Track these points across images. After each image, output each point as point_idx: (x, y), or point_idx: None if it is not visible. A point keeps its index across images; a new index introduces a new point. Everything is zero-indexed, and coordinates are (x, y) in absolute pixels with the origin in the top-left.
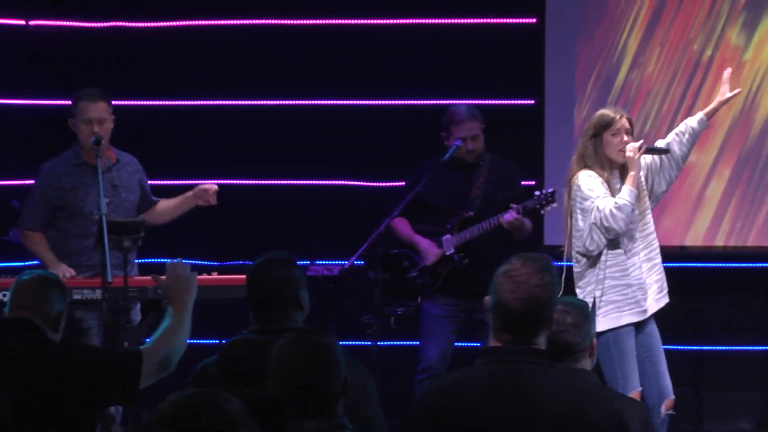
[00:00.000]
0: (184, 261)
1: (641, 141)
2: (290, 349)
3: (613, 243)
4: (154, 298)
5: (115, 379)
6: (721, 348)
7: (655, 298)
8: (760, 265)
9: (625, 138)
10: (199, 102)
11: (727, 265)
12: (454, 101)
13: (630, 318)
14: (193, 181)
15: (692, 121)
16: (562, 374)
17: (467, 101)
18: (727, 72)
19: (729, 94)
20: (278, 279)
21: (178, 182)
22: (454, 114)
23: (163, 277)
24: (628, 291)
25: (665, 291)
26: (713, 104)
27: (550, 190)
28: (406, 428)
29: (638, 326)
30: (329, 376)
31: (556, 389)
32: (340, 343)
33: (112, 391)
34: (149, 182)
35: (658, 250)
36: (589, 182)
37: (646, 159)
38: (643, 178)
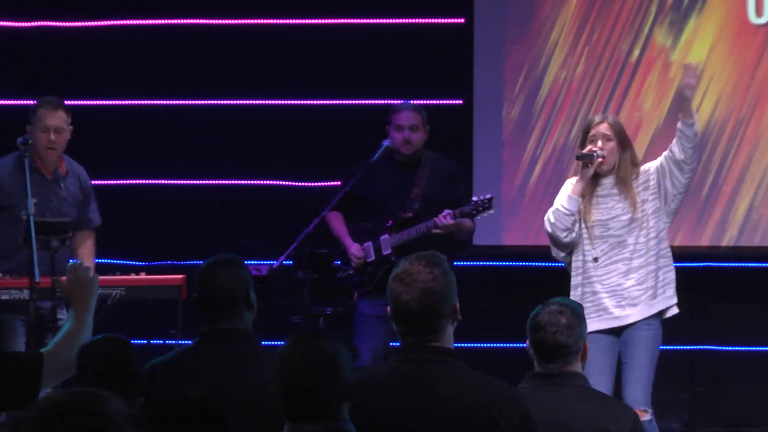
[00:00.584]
0: (113, 261)
1: (588, 148)
2: (288, 351)
3: (578, 249)
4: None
5: (15, 383)
6: None
7: (649, 304)
8: (686, 264)
9: (599, 144)
10: (126, 102)
11: None
12: (382, 101)
13: (596, 325)
14: (120, 181)
15: (678, 123)
16: (469, 374)
17: (396, 101)
18: (686, 65)
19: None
20: (229, 280)
21: (109, 182)
22: (395, 105)
23: (64, 278)
24: (593, 298)
25: (659, 298)
26: (680, 104)
27: (488, 196)
28: None
29: (619, 333)
30: (323, 379)
31: (463, 389)
32: (268, 344)
33: (11, 394)
34: None
35: (656, 257)
36: (562, 189)
37: (655, 163)
38: (653, 182)
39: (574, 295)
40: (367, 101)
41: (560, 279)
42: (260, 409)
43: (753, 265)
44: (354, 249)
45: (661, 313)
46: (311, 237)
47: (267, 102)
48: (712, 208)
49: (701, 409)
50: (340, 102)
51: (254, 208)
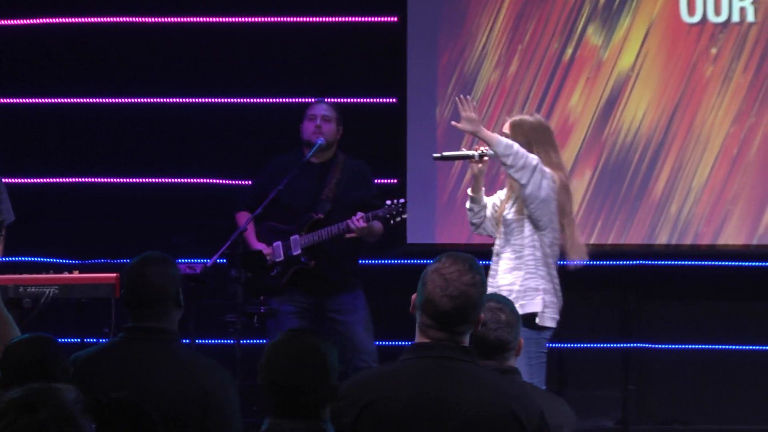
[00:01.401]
0: (46, 260)
1: (479, 147)
2: (281, 347)
3: None
4: (15, 297)
5: None
6: (581, 346)
7: None
8: (618, 263)
9: None
10: (60, 100)
11: (585, 263)
12: (316, 99)
13: None
14: (54, 179)
15: None
16: (489, 373)
17: (330, 99)
18: (458, 98)
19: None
20: (159, 278)
21: (43, 180)
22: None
23: None
24: None
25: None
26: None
27: (402, 200)
28: (336, 415)
29: None
30: (313, 379)
31: (487, 386)
32: (202, 342)
33: None
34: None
35: (524, 259)
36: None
37: None
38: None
39: None
40: (301, 99)
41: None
42: (178, 411)
43: (685, 263)
44: (259, 248)
45: (528, 320)
46: (244, 235)
47: (200, 100)
48: (645, 206)
49: (634, 406)
50: (274, 100)
51: (188, 207)
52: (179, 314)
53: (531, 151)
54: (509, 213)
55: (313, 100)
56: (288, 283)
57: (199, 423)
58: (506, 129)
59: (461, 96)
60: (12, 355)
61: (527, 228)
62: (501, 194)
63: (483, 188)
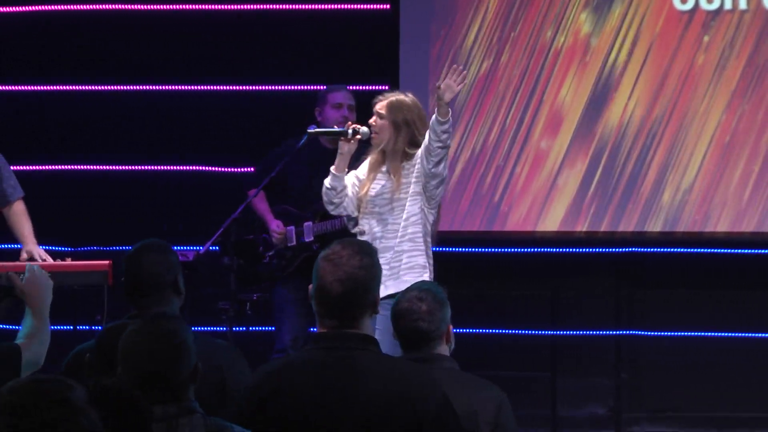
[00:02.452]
0: (41, 253)
1: (350, 124)
2: (138, 336)
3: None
4: (7, 285)
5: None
6: (573, 333)
7: (385, 285)
8: (611, 250)
9: (372, 119)
10: (52, 87)
11: (578, 250)
12: (308, 87)
13: None
14: (46, 166)
15: (433, 116)
16: (388, 361)
17: (322, 86)
18: (455, 66)
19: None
20: (159, 265)
21: (35, 167)
22: (329, 87)
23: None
24: None
25: (396, 281)
26: (437, 101)
27: None
28: (238, 412)
29: None
30: (176, 362)
31: (384, 377)
32: (196, 329)
33: None
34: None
35: (408, 236)
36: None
37: (422, 146)
38: (418, 165)
39: None
40: (292, 87)
41: (480, 265)
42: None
43: (678, 251)
44: (274, 224)
45: None
46: (237, 223)
47: (193, 87)
48: (637, 194)
49: (626, 394)
50: (266, 88)
51: (180, 194)
52: (180, 301)
53: (411, 132)
54: (388, 190)
55: (313, 87)
56: (296, 271)
57: (216, 399)
58: (382, 109)
59: (459, 67)
60: (106, 340)
61: (416, 206)
62: (360, 174)
63: (347, 168)
